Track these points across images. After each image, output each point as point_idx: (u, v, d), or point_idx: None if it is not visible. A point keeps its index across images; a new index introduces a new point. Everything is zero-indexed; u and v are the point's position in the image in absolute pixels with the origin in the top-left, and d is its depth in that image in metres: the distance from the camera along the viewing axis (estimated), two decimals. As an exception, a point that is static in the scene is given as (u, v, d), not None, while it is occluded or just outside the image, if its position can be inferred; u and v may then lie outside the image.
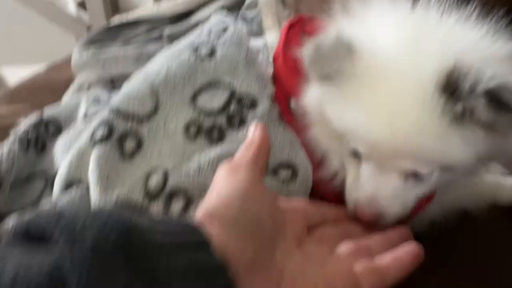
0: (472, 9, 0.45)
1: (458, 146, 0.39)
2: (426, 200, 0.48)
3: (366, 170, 0.44)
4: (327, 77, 0.44)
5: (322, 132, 0.49)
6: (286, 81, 0.55)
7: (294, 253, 0.39)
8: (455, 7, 0.45)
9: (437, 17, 0.44)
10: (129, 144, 0.49)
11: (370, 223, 0.44)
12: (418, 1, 0.46)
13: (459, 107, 0.38)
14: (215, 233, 0.32)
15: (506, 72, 0.38)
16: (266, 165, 0.43)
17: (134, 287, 0.27)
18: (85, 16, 1.69)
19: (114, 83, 0.88)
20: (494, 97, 0.36)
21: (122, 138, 0.49)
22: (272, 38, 0.91)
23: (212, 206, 0.36)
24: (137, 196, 0.46)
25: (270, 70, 0.60)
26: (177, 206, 0.46)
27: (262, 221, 0.36)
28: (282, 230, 0.40)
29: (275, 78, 0.58)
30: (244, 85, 0.53)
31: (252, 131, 0.44)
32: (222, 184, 0.38)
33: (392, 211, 0.44)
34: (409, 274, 0.40)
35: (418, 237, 0.51)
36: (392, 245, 0.42)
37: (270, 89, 0.55)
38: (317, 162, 0.52)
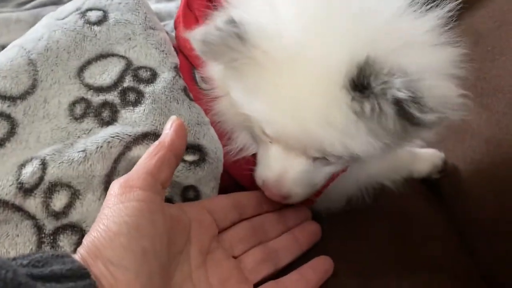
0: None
1: (364, 140, 0.37)
2: (331, 177, 0.46)
3: (275, 150, 0.42)
4: (223, 65, 0.40)
5: (229, 106, 0.45)
6: (188, 50, 0.49)
7: (194, 274, 0.39)
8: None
9: None
10: None
11: (277, 201, 0.44)
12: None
13: (367, 107, 0.35)
14: (99, 274, 0.31)
15: (423, 67, 0.35)
16: (171, 174, 0.39)
17: None
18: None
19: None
20: (403, 108, 0.33)
21: None
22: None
23: (98, 241, 0.33)
24: (7, 191, 0.38)
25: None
26: (59, 202, 0.39)
27: (155, 254, 0.34)
28: (186, 248, 0.40)
29: (178, 47, 0.51)
30: (142, 55, 0.46)
31: (167, 129, 0.40)
32: (112, 210, 0.34)
33: (299, 191, 0.43)
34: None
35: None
36: (300, 246, 0.46)
37: (173, 59, 0.48)
38: (227, 136, 0.48)
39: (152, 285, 0.33)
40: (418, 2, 0.38)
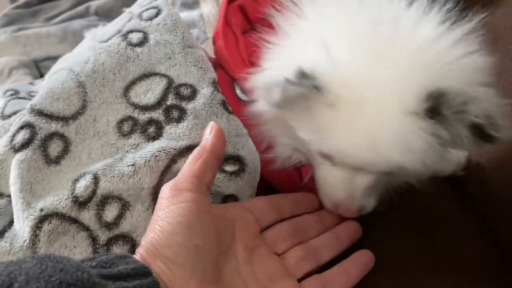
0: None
1: (438, 156, 0.41)
2: None
3: (342, 172, 0.44)
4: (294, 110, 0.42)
5: (282, 130, 0.47)
6: (228, 65, 0.51)
7: (242, 269, 0.41)
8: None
9: (395, 14, 0.41)
10: (54, 148, 0.44)
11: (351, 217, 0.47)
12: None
13: (444, 132, 0.38)
14: (159, 271, 0.34)
15: (489, 98, 0.39)
16: (214, 176, 0.42)
17: None
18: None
19: (39, 69, 0.80)
20: (482, 132, 0.37)
21: (46, 141, 0.44)
22: (207, 9, 0.86)
23: (155, 241, 0.36)
24: (64, 205, 0.41)
25: (210, 49, 0.56)
26: (110, 213, 0.42)
27: (207, 250, 0.37)
28: (232, 245, 0.42)
29: (217, 60, 0.54)
30: (182, 73, 0.49)
31: (207, 134, 0.42)
32: (165, 212, 0.37)
33: (370, 202, 0.46)
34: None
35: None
36: (340, 244, 0.47)
37: (211, 74, 0.50)
38: (265, 146, 0.50)
39: (207, 279, 0.36)
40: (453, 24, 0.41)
